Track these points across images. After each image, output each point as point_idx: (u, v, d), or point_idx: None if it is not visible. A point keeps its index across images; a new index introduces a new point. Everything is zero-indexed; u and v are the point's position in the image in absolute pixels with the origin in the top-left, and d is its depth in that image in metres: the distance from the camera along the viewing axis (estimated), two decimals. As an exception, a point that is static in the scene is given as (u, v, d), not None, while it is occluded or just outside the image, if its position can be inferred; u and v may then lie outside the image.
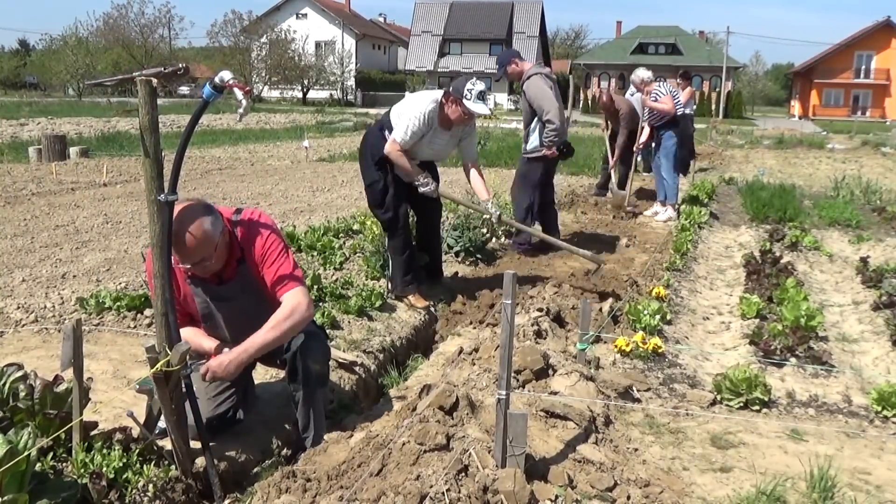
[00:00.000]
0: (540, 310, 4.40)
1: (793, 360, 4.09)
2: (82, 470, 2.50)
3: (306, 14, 60.25)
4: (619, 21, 66.56)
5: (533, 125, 6.72)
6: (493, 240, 7.24)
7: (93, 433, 2.68)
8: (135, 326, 4.42)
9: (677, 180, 8.87)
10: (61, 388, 2.69)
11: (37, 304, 4.76)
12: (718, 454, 3.04)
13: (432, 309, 5.32)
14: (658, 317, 4.52)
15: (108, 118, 27.74)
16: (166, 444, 2.72)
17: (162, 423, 2.77)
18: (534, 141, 6.74)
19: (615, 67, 55.83)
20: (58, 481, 2.36)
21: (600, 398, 3.38)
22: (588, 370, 3.62)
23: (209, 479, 2.70)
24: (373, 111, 37.64)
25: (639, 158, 10.88)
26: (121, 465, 2.56)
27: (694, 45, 58.85)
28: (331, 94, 56.15)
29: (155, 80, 2.36)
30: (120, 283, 5.33)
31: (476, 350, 3.79)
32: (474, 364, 3.60)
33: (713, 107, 51.39)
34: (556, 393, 3.24)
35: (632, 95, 10.80)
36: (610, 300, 5.04)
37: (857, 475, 2.87)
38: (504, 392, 2.41)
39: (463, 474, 2.38)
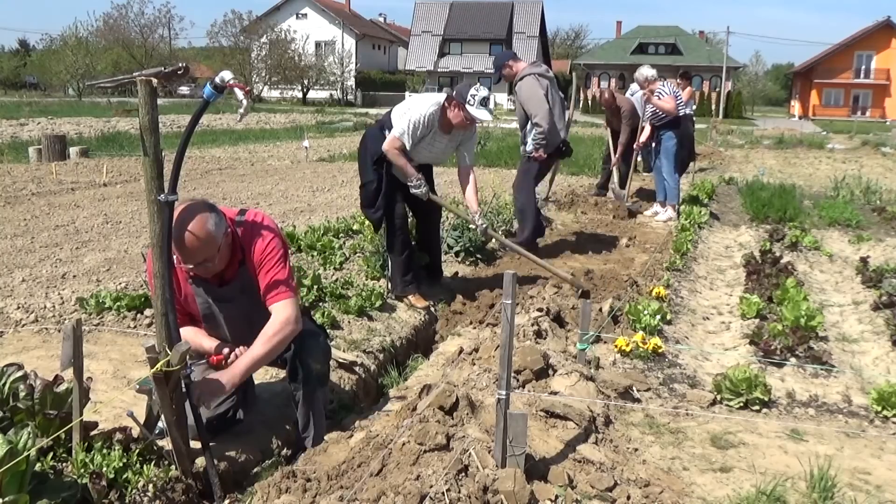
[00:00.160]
0: (540, 310, 4.40)
1: (793, 360, 4.09)
2: (82, 470, 2.50)
3: (306, 14, 60.26)
4: (619, 21, 66.70)
5: (529, 127, 6.73)
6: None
7: (93, 433, 2.68)
8: (135, 326, 4.42)
9: (678, 181, 8.86)
10: (61, 388, 2.69)
11: (37, 304, 4.76)
12: (718, 454, 3.04)
13: (432, 309, 5.32)
14: (658, 317, 4.52)
15: (108, 118, 27.74)
16: (166, 444, 2.72)
17: (162, 423, 2.77)
18: (530, 142, 6.75)
19: (615, 67, 55.84)
20: (58, 481, 2.36)
21: (600, 398, 3.38)
22: (588, 370, 3.62)
23: (209, 479, 2.70)
24: (373, 111, 37.66)
25: (639, 158, 10.89)
26: (121, 465, 2.56)
27: (694, 45, 58.85)
28: (331, 95, 56.16)
29: (155, 80, 2.36)
30: (120, 283, 5.33)
31: (476, 350, 3.79)
32: (474, 364, 3.60)
33: (713, 107, 51.42)
34: (556, 393, 3.24)
35: (632, 95, 10.81)
36: (610, 300, 5.03)
37: (857, 475, 2.87)
38: (504, 392, 2.41)
39: (463, 474, 2.38)
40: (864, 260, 6.46)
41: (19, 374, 2.73)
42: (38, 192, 10.03)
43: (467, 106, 4.92)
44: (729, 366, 3.80)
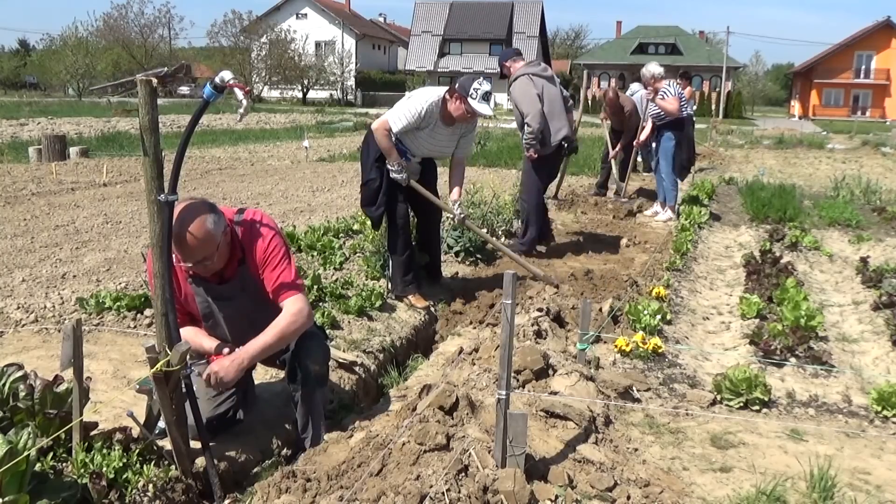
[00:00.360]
0: (540, 310, 4.40)
1: (793, 360, 4.09)
2: (82, 470, 2.50)
3: (306, 14, 60.26)
4: (619, 21, 66.61)
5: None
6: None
7: (93, 433, 2.68)
8: (135, 326, 4.42)
9: (676, 182, 8.85)
10: (61, 388, 2.69)
11: (37, 304, 4.76)
12: (718, 454, 3.04)
13: (432, 309, 5.32)
14: (658, 317, 4.52)
15: (108, 118, 27.74)
16: (166, 444, 2.72)
17: (162, 423, 2.77)
18: (522, 142, 6.76)
19: (615, 67, 55.81)
20: (58, 481, 2.36)
21: (600, 398, 3.38)
22: (588, 370, 3.62)
23: (209, 479, 2.70)
24: (373, 111, 37.66)
25: (639, 158, 10.91)
26: (121, 465, 2.56)
27: (694, 45, 58.84)
28: (331, 94, 56.16)
29: (155, 80, 2.36)
30: (120, 283, 5.33)
31: (476, 350, 3.79)
32: (474, 364, 3.60)
33: (713, 107, 51.40)
34: (556, 393, 3.24)
35: (632, 94, 10.82)
36: (610, 300, 5.03)
37: (857, 475, 2.87)
38: (504, 392, 2.41)
39: (463, 474, 2.38)
40: (864, 260, 6.46)
41: (19, 374, 2.73)
42: (38, 192, 10.03)
43: (469, 99, 4.92)
44: (729, 366, 3.80)
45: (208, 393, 3.05)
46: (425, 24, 59.97)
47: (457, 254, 6.53)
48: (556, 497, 2.44)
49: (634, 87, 11.07)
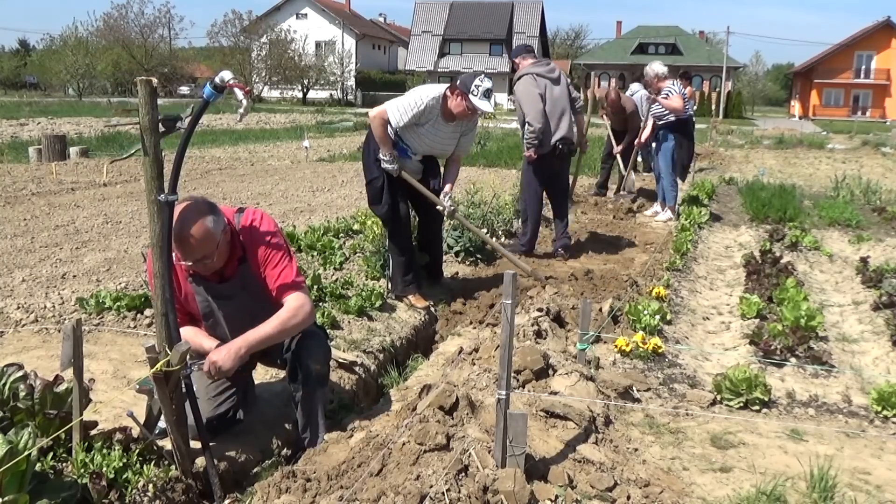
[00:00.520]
0: (540, 310, 4.40)
1: (793, 360, 4.09)
2: (82, 470, 2.50)
3: (306, 14, 60.27)
4: (619, 21, 66.61)
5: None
6: (493, 239, 7.24)
7: (93, 433, 2.68)
8: (135, 326, 4.42)
9: (676, 182, 8.85)
10: (61, 388, 2.69)
11: (37, 304, 4.76)
12: (718, 454, 3.04)
13: (432, 309, 5.32)
14: (658, 317, 4.52)
15: (108, 118, 27.74)
16: (166, 444, 2.72)
17: (162, 423, 2.77)
18: (523, 142, 6.76)
19: (615, 67, 55.82)
20: (58, 481, 2.36)
21: (600, 398, 3.38)
22: (588, 370, 3.62)
23: (209, 479, 2.70)
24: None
25: (639, 158, 10.91)
26: (121, 465, 2.56)
27: (694, 45, 58.85)
28: (331, 94, 56.16)
29: (155, 80, 2.37)
30: (120, 283, 5.33)
31: (476, 350, 3.79)
32: (474, 364, 3.60)
33: (713, 107, 51.39)
34: (556, 393, 3.24)
35: (632, 94, 10.82)
36: (610, 300, 5.03)
37: (857, 475, 2.87)
38: (504, 392, 2.41)
39: (463, 474, 2.38)
40: (864, 260, 6.46)
41: (19, 374, 2.73)
42: (38, 192, 10.03)
43: (470, 96, 4.90)
44: (729, 366, 3.80)
45: (208, 393, 3.06)
46: (425, 24, 59.97)
47: (457, 254, 6.53)
48: (556, 497, 2.44)
49: (634, 87, 11.07)
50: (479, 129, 18.98)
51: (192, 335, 2.93)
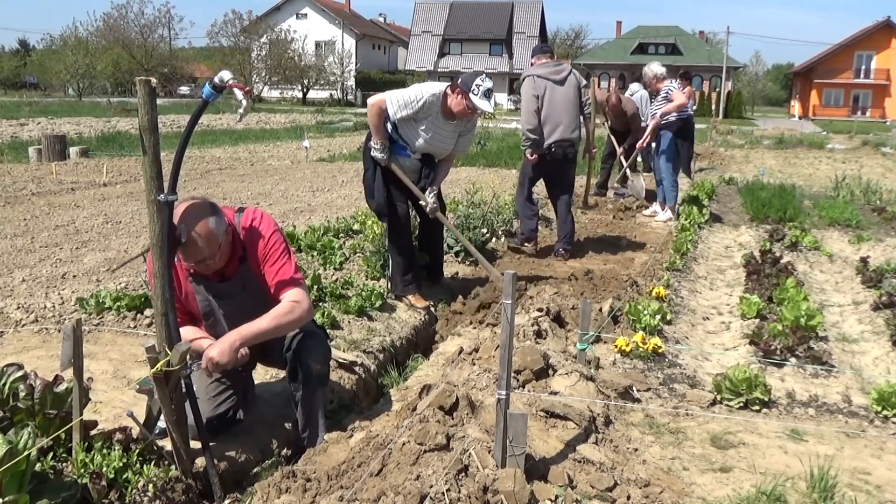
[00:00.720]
0: (540, 310, 4.40)
1: (793, 360, 4.09)
2: (82, 470, 2.50)
3: (306, 14, 60.27)
4: (619, 21, 66.58)
5: None
6: (493, 239, 7.25)
7: (93, 433, 2.68)
8: (135, 326, 4.42)
9: (676, 182, 8.85)
10: (61, 388, 2.69)
11: (37, 304, 4.76)
12: (718, 454, 3.04)
13: (432, 309, 5.32)
14: (658, 317, 4.52)
15: (108, 118, 27.74)
16: (166, 444, 2.72)
17: (162, 423, 2.77)
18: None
19: (615, 67, 55.82)
20: (58, 481, 2.36)
21: (600, 398, 3.38)
22: (588, 370, 3.62)
23: (209, 479, 2.70)
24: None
25: (639, 158, 10.91)
26: (121, 465, 2.56)
27: (694, 45, 58.84)
28: (331, 94, 56.17)
29: (154, 80, 2.37)
30: (120, 283, 5.33)
31: (476, 350, 3.79)
32: (474, 364, 3.60)
33: (713, 107, 51.40)
34: (556, 393, 3.24)
35: (632, 95, 10.82)
36: (610, 300, 5.03)
37: (857, 475, 2.87)
38: (504, 392, 2.41)
39: (463, 474, 2.38)
40: (864, 260, 6.45)
41: (19, 374, 2.73)
42: (38, 192, 10.04)
43: (471, 95, 4.90)
44: (729, 366, 3.80)
45: (208, 393, 3.06)
46: (425, 24, 59.98)
47: (457, 254, 6.53)
48: (556, 497, 2.44)
49: (634, 87, 11.07)
50: (480, 130, 18.99)
51: (191, 334, 2.94)
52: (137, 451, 2.67)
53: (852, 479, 2.84)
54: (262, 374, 3.69)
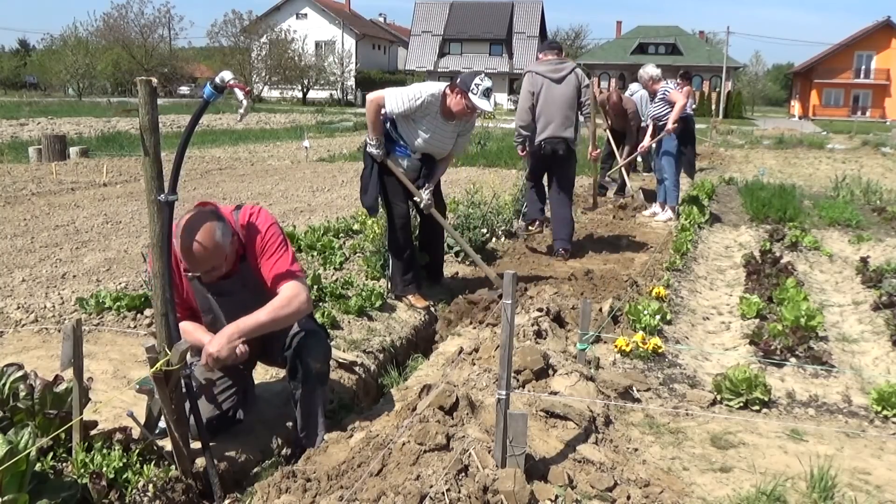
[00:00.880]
0: (540, 310, 4.40)
1: (793, 360, 4.09)
2: (82, 470, 2.50)
3: (306, 14, 60.28)
4: (619, 21, 66.55)
5: None
6: (493, 239, 7.25)
7: (93, 433, 2.68)
8: (135, 326, 4.42)
9: (677, 183, 8.85)
10: (61, 388, 2.69)
11: (37, 304, 4.76)
12: (718, 454, 3.04)
13: (432, 309, 5.32)
14: (658, 317, 4.52)
15: (108, 118, 27.74)
16: (166, 444, 2.72)
17: (162, 423, 2.77)
18: None
19: (615, 67, 55.79)
20: (58, 481, 2.36)
21: (600, 398, 3.38)
22: (588, 370, 3.62)
23: (209, 479, 2.70)
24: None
25: (638, 158, 10.91)
26: (121, 465, 2.56)
27: (694, 45, 58.83)
28: (331, 94, 56.18)
29: (154, 80, 2.37)
30: (120, 283, 5.33)
31: (476, 350, 3.79)
32: (474, 364, 3.60)
33: (713, 107, 51.40)
34: (556, 393, 3.24)
35: (632, 95, 10.82)
36: (610, 300, 5.03)
37: (857, 475, 2.87)
38: (504, 392, 2.41)
39: (463, 474, 2.38)
40: (864, 260, 6.45)
41: (19, 374, 2.73)
42: (38, 192, 10.04)
43: (470, 94, 4.90)
44: (729, 366, 3.80)
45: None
46: (425, 24, 59.98)
47: (457, 254, 6.53)
48: (556, 497, 2.44)
49: (634, 87, 11.07)
50: (480, 130, 19.00)
51: (191, 329, 2.93)
52: (137, 451, 2.67)
53: (852, 479, 2.84)
54: (262, 374, 3.69)
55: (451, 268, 6.20)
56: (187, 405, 2.69)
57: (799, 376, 3.93)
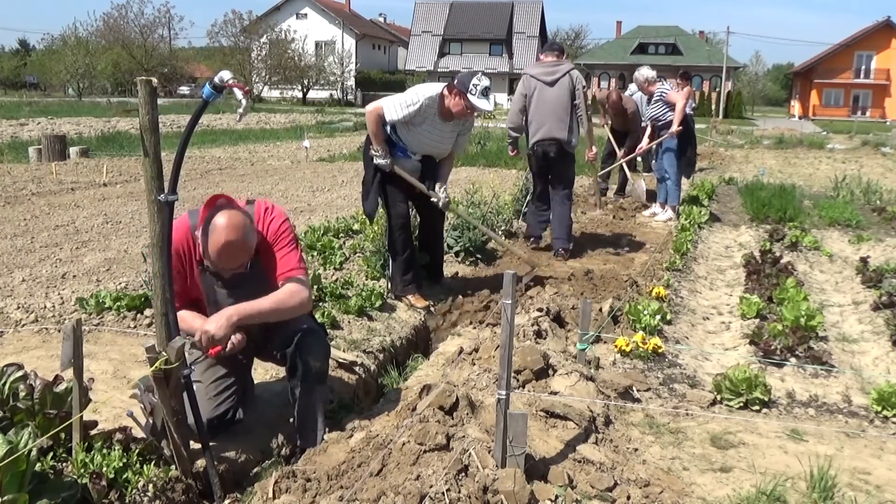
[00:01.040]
0: (540, 310, 4.40)
1: (793, 360, 4.09)
2: (82, 470, 2.50)
3: (306, 14, 60.28)
4: (619, 21, 66.55)
5: None
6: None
7: (93, 433, 2.68)
8: (135, 326, 4.42)
9: (679, 183, 8.85)
10: (61, 388, 2.69)
11: (37, 304, 4.76)
12: (718, 454, 3.04)
13: (432, 309, 5.32)
14: (658, 317, 4.52)
15: (108, 118, 27.74)
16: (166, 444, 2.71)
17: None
18: None
19: (615, 67, 55.81)
20: (58, 481, 2.36)
21: (600, 398, 3.38)
22: (588, 370, 3.62)
23: (209, 479, 2.70)
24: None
25: (638, 158, 10.91)
26: (121, 465, 2.56)
27: (694, 45, 58.82)
28: (331, 94, 56.18)
29: (155, 80, 2.37)
30: (120, 283, 5.33)
31: (476, 350, 3.79)
32: (474, 364, 3.60)
33: (713, 107, 51.39)
34: (556, 393, 3.24)
35: (632, 95, 10.82)
36: (610, 300, 5.03)
37: (857, 475, 2.87)
38: (504, 392, 2.41)
39: (463, 474, 2.38)
40: (864, 260, 6.45)
41: (19, 374, 2.73)
42: (38, 192, 10.03)
43: (469, 95, 4.90)
44: (729, 366, 3.80)
45: (208, 393, 3.06)
46: (425, 24, 59.98)
47: (457, 254, 6.53)
48: (556, 497, 2.44)
49: (633, 87, 11.07)
50: (480, 130, 18.99)
51: (188, 317, 2.93)
52: (137, 451, 2.67)
53: (852, 479, 2.84)
54: (262, 374, 3.69)
55: (451, 268, 6.20)
56: (188, 405, 2.68)
57: (799, 376, 3.93)
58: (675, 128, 8.34)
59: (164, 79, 50.29)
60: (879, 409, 3.42)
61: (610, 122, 10.57)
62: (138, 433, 2.74)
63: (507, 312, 2.37)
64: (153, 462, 2.67)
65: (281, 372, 3.38)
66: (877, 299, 5.26)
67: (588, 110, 6.76)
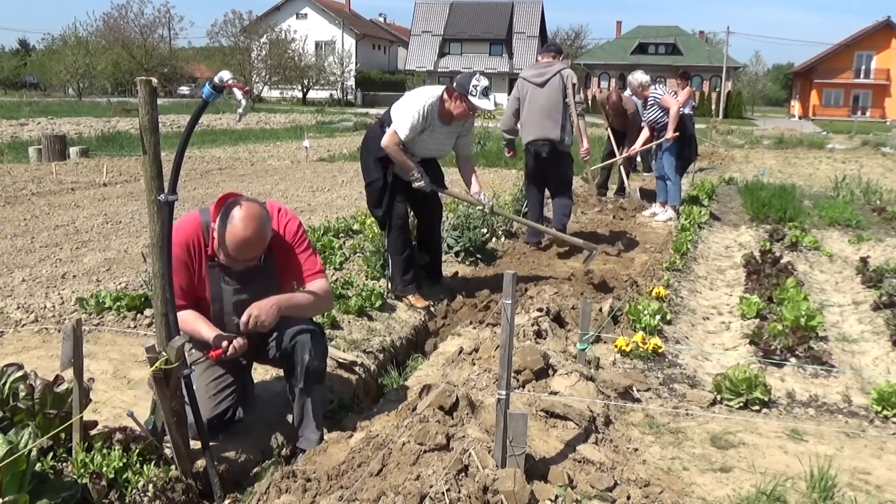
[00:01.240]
0: (540, 310, 4.40)
1: (793, 360, 4.09)
2: (82, 470, 2.50)
3: (306, 14, 60.27)
4: (619, 21, 66.55)
5: None
6: (493, 239, 7.25)
7: (93, 433, 2.68)
8: (135, 326, 4.42)
9: (680, 183, 8.85)
10: (61, 388, 2.69)
11: (37, 304, 4.76)
12: (718, 454, 3.04)
13: (432, 309, 5.32)
14: (658, 317, 4.52)
15: (108, 118, 27.74)
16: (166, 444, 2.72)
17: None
18: None
19: (615, 67, 55.80)
20: (58, 481, 2.36)
21: (600, 398, 3.38)
22: (588, 370, 3.62)
23: (209, 479, 2.70)
24: (373, 111, 37.67)
25: (638, 158, 10.91)
26: (121, 465, 2.56)
27: (694, 45, 58.81)
28: (331, 94, 56.16)
29: (154, 80, 2.37)
30: (120, 283, 5.33)
31: (476, 350, 3.79)
32: (474, 364, 3.60)
33: (713, 107, 51.39)
34: (556, 393, 3.24)
35: (632, 95, 10.82)
36: (610, 300, 5.03)
37: (857, 475, 2.87)
38: (504, 392, 2.41)
39: (463, 474, 2.38)
40: (864, 260, 6.46)
41: (19, 374, 2.73)
42: (38, 192, 10.03)
43: (470, 96, 4.90)
44: (729, 366, 3.80)
45: (208, 392, 3.06)
46: (425, 24, 59.96)
47: (457, 254, 6.53)
48: (556, 497, 2.44)
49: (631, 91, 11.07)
50: (480, 129, 18.99)
51: (191, 320, 2.93)
52: (137, 451, 2.67)
53: (852, 479, 2.84)
54: (262, 374, 3.69)
55: (450, 268, 6.20)
56: (187, 405, 2.69)
57: (799, 376, 3.93)
58: (669, 133, 8.37)
59: (163, 79, 50.27)
60: (879, 409, 3.42)
61: (610, 121, 10.58)
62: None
63: (507, 312, 2.37)
64: (153, 462, 2.67)
65: (281, 372, 3.38)
66: (877, 299, 5.26)
67: (578, 106, 6.74)
